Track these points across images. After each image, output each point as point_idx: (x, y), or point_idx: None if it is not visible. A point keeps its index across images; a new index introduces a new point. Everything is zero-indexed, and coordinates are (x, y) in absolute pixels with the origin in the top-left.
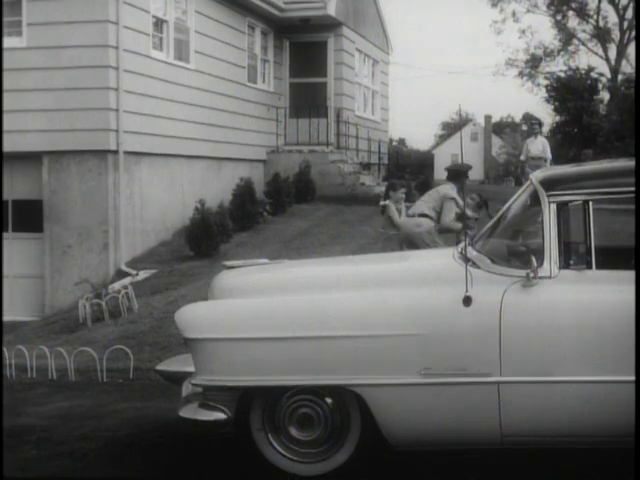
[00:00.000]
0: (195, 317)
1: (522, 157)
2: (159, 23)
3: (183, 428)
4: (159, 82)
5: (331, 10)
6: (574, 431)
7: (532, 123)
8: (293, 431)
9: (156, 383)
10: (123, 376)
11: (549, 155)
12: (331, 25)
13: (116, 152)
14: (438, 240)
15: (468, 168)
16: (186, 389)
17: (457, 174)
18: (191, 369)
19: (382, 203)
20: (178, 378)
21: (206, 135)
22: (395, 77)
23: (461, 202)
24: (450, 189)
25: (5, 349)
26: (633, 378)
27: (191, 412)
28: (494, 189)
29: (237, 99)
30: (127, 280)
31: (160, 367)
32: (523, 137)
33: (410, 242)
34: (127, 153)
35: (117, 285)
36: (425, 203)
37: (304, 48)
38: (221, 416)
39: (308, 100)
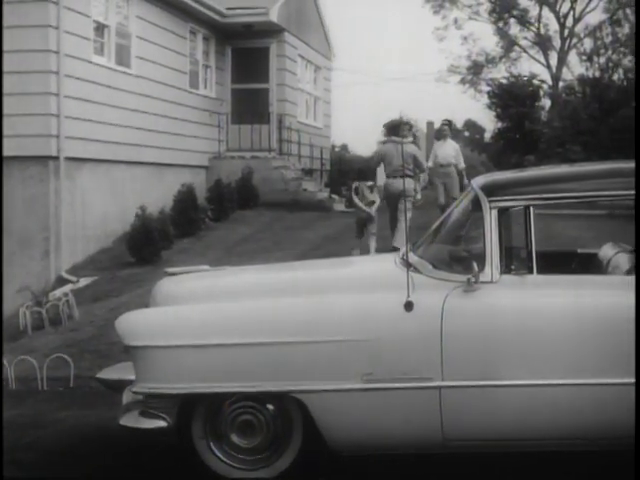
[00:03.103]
0: (136, 324)
1: (429, 163)
2: (100, 28)
3: (124, 436)
4: (100, 87)
5: (273, 16)
6: (516, 435)
7: (442, 124)
8: (235, 438)
9: (97, 391)
10: (64, 384)
11: (462, 162)
12: (273, 31)
13: (57, 158)
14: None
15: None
16: (127, 397)
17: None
18: (132, 377)
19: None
20: (119, 386)
21: (148, 141)
22: (338, 83)
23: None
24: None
25: None
26: (574, 381)
27: (132, 420)
28: (436, 195)
29: (179, 105)
30: (68, 287)
31: (101, 375)
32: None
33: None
34: (68, 159)
35: (58, 292)
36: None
37: (246, 54)
38: (162, 424)
39: (250, 106)
